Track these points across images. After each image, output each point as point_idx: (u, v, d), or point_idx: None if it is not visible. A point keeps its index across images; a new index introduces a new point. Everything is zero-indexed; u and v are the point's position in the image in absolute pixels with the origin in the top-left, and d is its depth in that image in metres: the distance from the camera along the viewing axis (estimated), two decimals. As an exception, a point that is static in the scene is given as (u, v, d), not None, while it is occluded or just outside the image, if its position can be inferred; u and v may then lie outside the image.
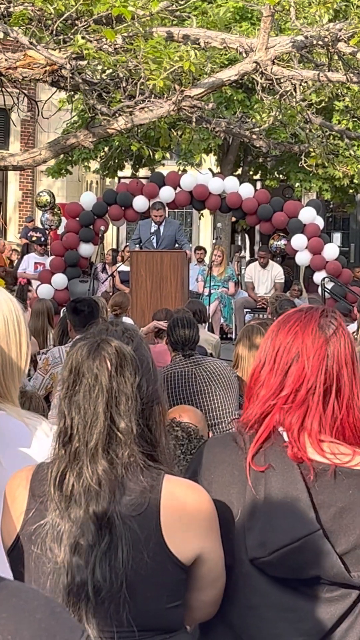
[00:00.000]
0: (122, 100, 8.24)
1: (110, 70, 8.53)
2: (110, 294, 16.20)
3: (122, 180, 21.12)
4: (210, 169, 20.97)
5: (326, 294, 16.97)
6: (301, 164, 10.56)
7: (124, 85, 8.27)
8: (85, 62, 8.12)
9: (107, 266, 19.27)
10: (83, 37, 7.74)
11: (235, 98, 19.02)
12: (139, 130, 11.35)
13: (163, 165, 22.53)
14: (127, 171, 23.29)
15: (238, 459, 2.65)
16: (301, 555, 2.49)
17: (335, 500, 2.53)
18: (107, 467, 2.52)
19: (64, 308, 11.54)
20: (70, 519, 2.51)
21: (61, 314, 11.80)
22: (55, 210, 21.37)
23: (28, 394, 5.78)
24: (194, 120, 8.78)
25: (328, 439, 2.61)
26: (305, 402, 2.61)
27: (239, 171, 22.84)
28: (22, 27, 8.62)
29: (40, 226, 21.52)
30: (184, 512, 2.55)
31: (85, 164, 21.52)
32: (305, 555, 2.49)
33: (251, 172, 23.71)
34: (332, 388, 2.61)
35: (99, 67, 8.33)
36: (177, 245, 16.32)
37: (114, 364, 2.54)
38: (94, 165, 22.37)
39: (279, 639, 2.56)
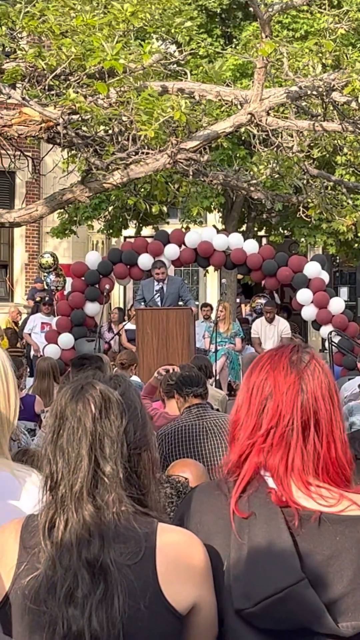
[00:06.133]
0: (116, 153, 8.24)
1: (105, 126, 8.56)
2: (117, 352, 16.17)
3: (127, 239, 21.19)
4: (214, 226, 21.01)
5: (333, 347, 16.89)
6: (299, 214, 10.55)
7: (119, 139, 8.28)
8: (78, 116, 8.14)
9: (112, 325, 19.27)
10: (76, 92, 7.77)
11: (237, 155, 19.08)
12: (136, 185, 11.36)
13: (167, 223, 22.60)
14: (132, 230, 23.36)
15: (222, 507, 2.58)
16: (286, 606, 2.40)
17: (322, 548, 2.45)
18: (93, 511, 2.47)
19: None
20: (62, 567, 2.46)
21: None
22: (58, 271, 21.48)
23: (30, 452, 5.70)
24: (191, 173, 8.78)
25: (315, 482, 2.54)
26: (284, 439, 2.55)
27: (244, 227, 22.89)
28: (18, 85, 8.68)
29: (45, 287, 21.61)
30: (180, 561, 2.51)
31: (89, 223, 21.60)
32: (291, 605, 2.40)
33: (256, 229, 23.76)
34: (310, 422, 2.55)
35: (93, 121, 8.35)
36: (181, 302, 16.30)
37: (98, 406, 2.51)
38: (98, 225, 22.46)
39: None
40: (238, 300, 23.92)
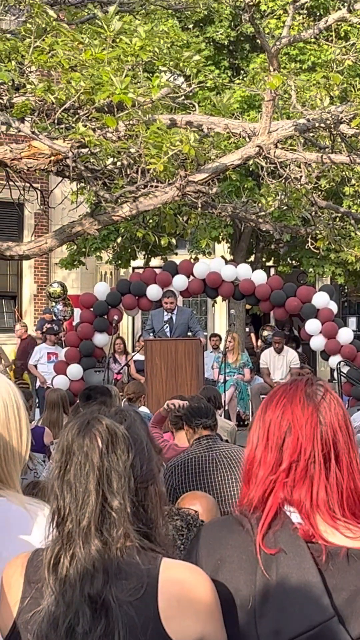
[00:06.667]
0: (125, 186, 8.28)
1: (114, 159, 8.60)
2: (126, 383, 16.14)
3: (136, 270, 21.24)
4: (223, 257, 21.05)
5: (342, 377, 16.86)
6: (308, 246, 10.58)
7: (128, 172, 8.32)
8: (87, 149, 8.19)
9: (116, 355, 19.24)
10: (85, 125, 7.81)
11: (245, 186, 19.14)
12: (146, 218, 11.37)
13: (176, 254, 22.65)
14: (140, 261, 23.41)
15: (245, 543, 2.56)
16: None
17: (348, 584, 2.44)
18: (100, 547, 2.47)
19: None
20: (64, 602, 2.45)
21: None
22: (66, 301, 21.54)
23: (41, 485, 5.70)
24: (200, 205, 8.81)
25: (341, 518, 2.53)
26: (307, 473, 2.55)
27: (252, 258, 22.92)
28: (27, 119, 8.72)
29: (54, 318, 21.65)
30: (183, 597, 2.48)
31: (98, 254, 21.66)
32: None
33: (264, 259, 23.78)
34: (330, 455, 2.55)
35: (102, 155, 8.39)
36: (190, 332, 16.30)
37: (104, 441, 2.51)
38: (107, 256, 22.51)
39: None
40: (247, 330, 23.93)
